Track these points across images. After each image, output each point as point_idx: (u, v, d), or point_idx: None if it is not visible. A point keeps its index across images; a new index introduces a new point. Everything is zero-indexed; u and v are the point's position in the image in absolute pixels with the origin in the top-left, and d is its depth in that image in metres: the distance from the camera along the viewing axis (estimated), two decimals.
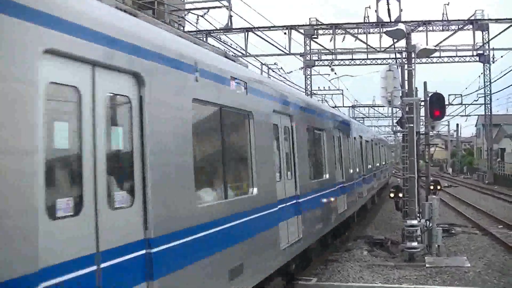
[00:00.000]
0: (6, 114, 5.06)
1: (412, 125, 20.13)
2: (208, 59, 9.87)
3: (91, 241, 6.06)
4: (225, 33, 43.23)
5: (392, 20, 40.23)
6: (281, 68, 47.71)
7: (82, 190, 6.01)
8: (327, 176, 18.85)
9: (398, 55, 40.97)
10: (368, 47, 48.57)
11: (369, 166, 33.43)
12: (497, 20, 49.45)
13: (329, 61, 57.14)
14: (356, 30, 51.23)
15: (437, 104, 22.54)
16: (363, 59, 57.18)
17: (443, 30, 51.57)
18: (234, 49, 41.81)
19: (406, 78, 20.98)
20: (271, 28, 46.04)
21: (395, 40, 30.65)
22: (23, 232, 5.08)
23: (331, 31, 50.50)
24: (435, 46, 27.62)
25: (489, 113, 65.48)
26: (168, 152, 7.76)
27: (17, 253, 5.01)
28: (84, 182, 6.05)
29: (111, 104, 6.82)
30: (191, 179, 8.41)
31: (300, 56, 54.51)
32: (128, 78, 6.98)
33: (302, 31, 51.25)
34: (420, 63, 47.56)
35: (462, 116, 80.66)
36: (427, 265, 18.27)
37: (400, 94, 20.51)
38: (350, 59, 57.55)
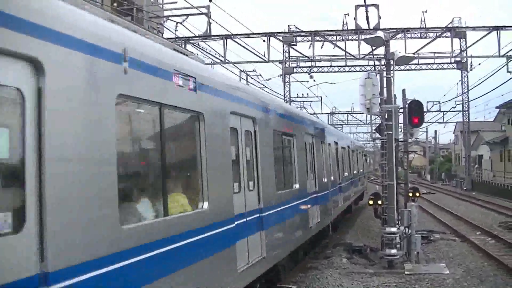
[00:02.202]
0: None
1: (391, 132, 20.16)
2: (144, 48, 7.96)
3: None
4: (204, 40, 43.31)
5: (371, 27, 40.41)
6: (260, 75, 47.82)
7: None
8: (297, 185, 16.90)
9: (376, 62, 41.10)
10: (347, 54, 48.77)
11: (346, 174, 31.21)
12: (474, 28, 50.01)
13: (308, 68, 57.26)
14: (335, 37, 51.47)
15: (415, 111, 22.59)
16: (342, 66, 57.37)
17: (421, 37, 52.01)
18: (213, 56, 41.81)
19: (384, 85, 21.01)
20: (250, 35, 46.17)
21: (373, 48, 30.67)
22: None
23: (310, 38, 50.78)
24: (413, 54, 27.72)
25: (467, 120, 65.92)
26: (77, 161, 6.06)
27: None
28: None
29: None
30: (113, 194, 6.62)
31: (279, 63, 54.70)
32: (22, 64, 5.45)
33: (281, 38, 51.46)
34: (399, 70, 47.61)
35: (440, 123, 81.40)
36: (406, 272, 18.26)
37: (379, 101, 20.51)
38: (329, 66, 57.69)
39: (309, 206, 18.38)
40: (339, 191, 26.72)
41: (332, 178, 24.40)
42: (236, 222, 10.84)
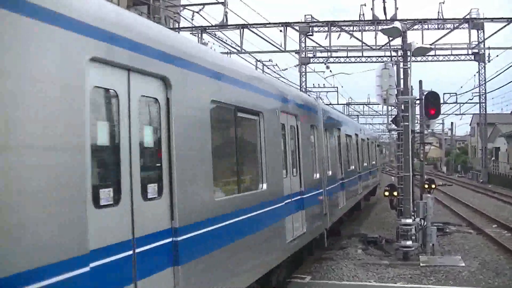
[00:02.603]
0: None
1: (407, 123, 20.07)
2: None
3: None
4: (220, 30, 43.18)
5: (388, 18, 40.19)
6: (276, 65, 47.72)
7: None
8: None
9: (393, 53, 40.85)
10: (364, 44, 48.59)
11: (352, 167, 27.82)
12: (492, 19, 49.61)
13: (324, 59, 56.93)
14: (351, 28, 51.25)
15: (432, 103, 22.47)
16: (358, 57, 56.96)
17: (438, 28, 51.57)
18: (230, 45, 41.77)
19: (401, 76, 20.91)
20: (267, 25, 46.10)
21: (390, 38, 30.52)
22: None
23: (326, 29, 50.58)
24: (430, 45, 27.49)
25: (484, 112, 65.48)
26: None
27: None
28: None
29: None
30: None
31: (295, 53, 54.54)
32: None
33: (297, 28, 51.31)
34: (416, 62, 47.47)
35: (456, 114, 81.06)
36: (421, 264, 18.23)
37: (396, 92, 20.42)
38: (345, 57, 57.27)
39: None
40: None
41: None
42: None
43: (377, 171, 44.39)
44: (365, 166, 34.09)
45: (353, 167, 27.57)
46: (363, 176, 32.11)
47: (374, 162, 41.41)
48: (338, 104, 70.06)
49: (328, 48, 50.63)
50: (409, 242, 19.34)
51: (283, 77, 44.45)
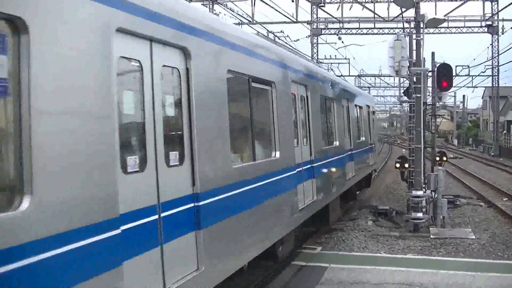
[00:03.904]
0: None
1: (419, 95, 19.99)
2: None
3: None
4: (231, 1, 42.94)
5: None
6: (288, 36, 47.48)
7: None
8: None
9: (406, 25, 40.53)
10: (376, 16, 48.24)
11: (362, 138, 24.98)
12: None
13: (336, 30, 56.58)
14: None
15: (444, 75, 22.39)
16: (371, 28, 56.49)
17: (451, 0, 51.08)
18: (241, 16, 41.58)
19: (414, 48, 20.81)
20: None
21: (403, 9, 30.28)
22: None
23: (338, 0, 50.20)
24: (443, 16, 27.28)
25: (496, 85, 65.03)
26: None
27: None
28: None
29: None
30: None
31: (307, 24, 54.22)
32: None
33: None
34: (428, 34, 47.15)
35: (469, 87, 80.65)
36: (431, 236, 18.28)
37: (408, 64, 20.34)
38: (357, 28, 56.83)
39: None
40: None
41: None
42: (296, 170, 13.37)
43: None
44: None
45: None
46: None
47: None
48: (349, 75, 69.80)
49: (340, 19, 50.31)
50: (419, 214, 19.37)
51: (294, 49, 44.24)
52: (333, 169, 17.92)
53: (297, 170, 13.27)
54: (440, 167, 23.57)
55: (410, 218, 19.65)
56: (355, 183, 22.96)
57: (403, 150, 49.94)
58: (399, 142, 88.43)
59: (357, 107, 24.33)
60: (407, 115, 25.34)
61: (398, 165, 23.62)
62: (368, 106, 27.97)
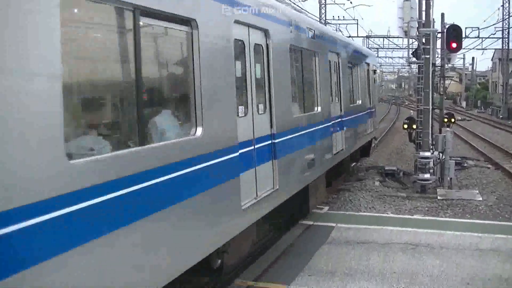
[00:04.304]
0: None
1: (428, 56, 19.87)
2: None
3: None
4: None
5: None
6: None
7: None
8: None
9: None
10: None
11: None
12: None
13: None
14: None
15: (454, 36, 22.15)
16: None
17: None
18: None
19: (423, 8, 20.63)
20: None
21: None
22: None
23: None
24: None
25: (506, 47, 64.55)
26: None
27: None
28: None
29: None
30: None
31: None
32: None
33: None
34: None
35: (478, 49, 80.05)
36: (438, 197, 18.35)
37: (417, 25, 20.19)
38: None
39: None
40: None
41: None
42: (331, 122, 15.83)
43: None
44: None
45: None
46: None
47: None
48: (358, 36, 69.20)
49: None
50: (427, 175, 19.43)
51: (302, 8, 43.85)
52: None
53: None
54: (448, 129, 23.51)
55: (418, 179, 19.71)
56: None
57: (411, 111, 49.71)
58: (407, 103, 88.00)
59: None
60: (415, 76, 25.09)
61: (406, 126, 23.56)
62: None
